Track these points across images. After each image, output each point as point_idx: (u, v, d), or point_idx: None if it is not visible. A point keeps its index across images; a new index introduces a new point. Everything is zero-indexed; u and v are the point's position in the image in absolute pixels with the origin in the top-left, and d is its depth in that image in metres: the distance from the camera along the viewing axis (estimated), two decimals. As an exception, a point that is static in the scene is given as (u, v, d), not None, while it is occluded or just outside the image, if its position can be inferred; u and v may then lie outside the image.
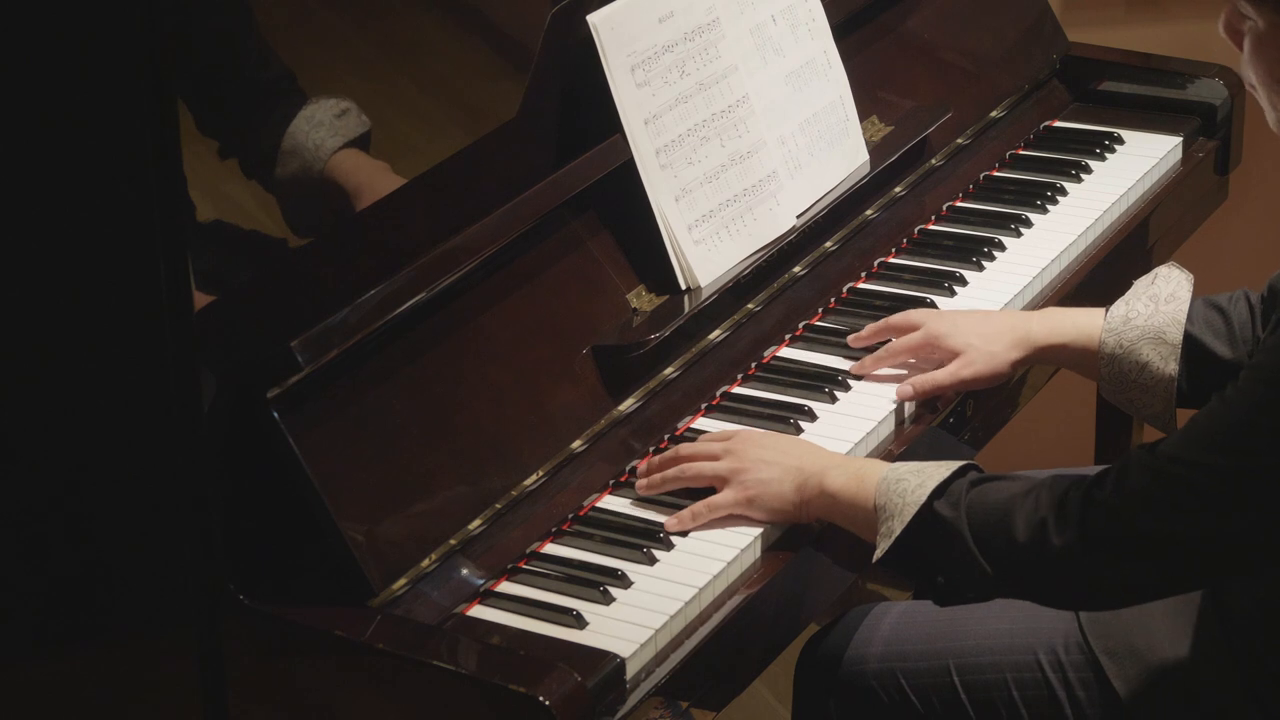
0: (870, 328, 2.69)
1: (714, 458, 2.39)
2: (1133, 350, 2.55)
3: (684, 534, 2.35)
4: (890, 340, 2.66)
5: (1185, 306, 2.56)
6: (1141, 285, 2.62)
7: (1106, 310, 2.61)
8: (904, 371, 2.64)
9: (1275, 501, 2.09)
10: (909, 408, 2.60)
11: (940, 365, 2.62)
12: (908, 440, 2.56)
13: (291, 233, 2.38)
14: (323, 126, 2.40)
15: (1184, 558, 2.14)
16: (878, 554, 2.26)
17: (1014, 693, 2.40)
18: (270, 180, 2.38)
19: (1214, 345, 2.54)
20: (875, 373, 2.63)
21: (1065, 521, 2.16)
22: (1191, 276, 2.62)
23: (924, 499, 2.23)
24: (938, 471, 2.26)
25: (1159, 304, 2.57)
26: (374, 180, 2.44)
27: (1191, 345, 2.55)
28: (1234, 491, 2.10)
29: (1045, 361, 2.68)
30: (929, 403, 2.62)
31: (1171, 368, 2.53)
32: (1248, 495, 2.10)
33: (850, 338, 2.70)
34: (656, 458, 2.44)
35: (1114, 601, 2.25)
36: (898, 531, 2.24)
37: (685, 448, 2.43)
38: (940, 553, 2.24)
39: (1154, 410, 2.56)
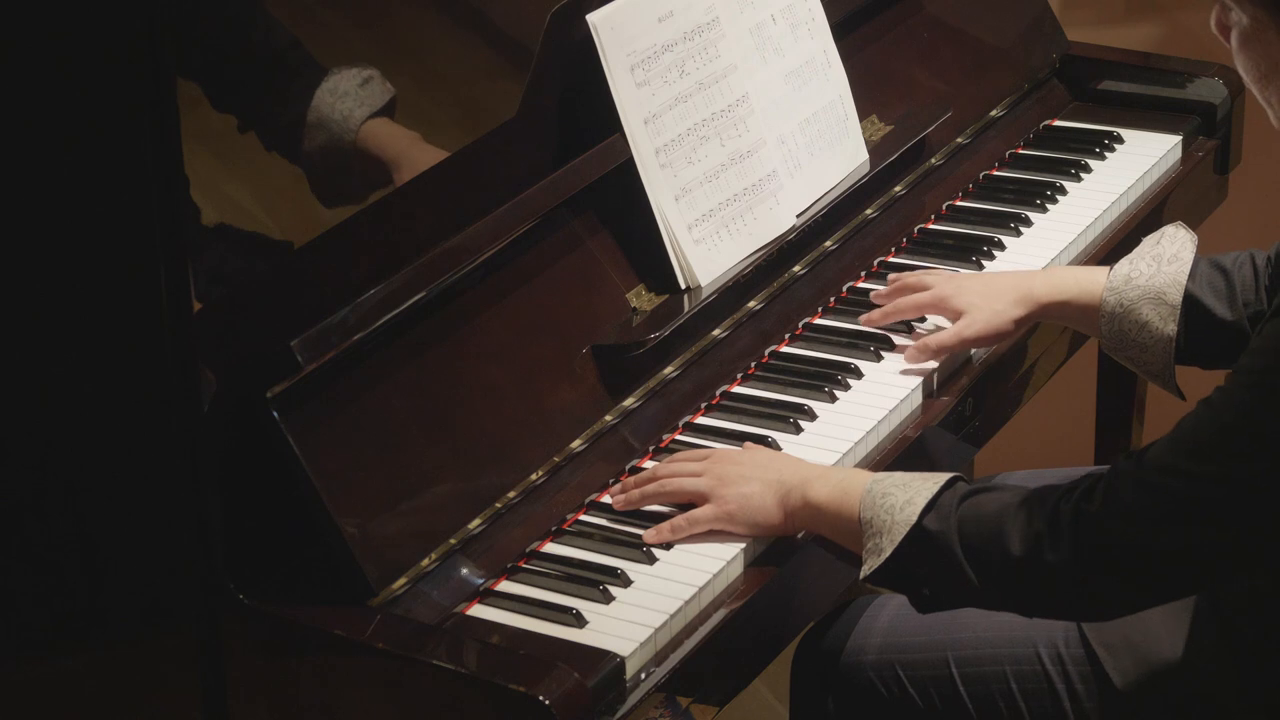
0: (885, 289, 2.73)
1: (694, 475, 2.37)
2: (1133, 309, 2.57)
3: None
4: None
5: (1187, 268, 2.57)
6: (1147, 244, 2.63)
7: (1110, 268, 2.62)
8: (903, 373, 2.65)
9: (1264, 509, 2.07)
10: (908, 407, 2.60)
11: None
12: (908, 440, 2.56)
13: (322, 205, 2.36)
14: (348, 97, 2.39)
15: (1175, 570, 2.13)
16: (865, 570, 2.25)
17: (1012, 685, 2.39)
18: (296, 154, 2.37)
19: (1214, 306, 2.55)
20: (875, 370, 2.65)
21: (1058, 538, 2.14)
22: (1196, 237, 2.63)
23: (914, 518, 2.21)
24: (925, 486, 2.24)
25: (1161, 264, 2.58)
26: (409, 150, 2.43)
27: (1191, 303, 2.56)
28: (1221, 501, 2.08)
29: (1048, 319, 2.69)
30: (929, 402, 2.62)
31: (1170, 328, 2.54)
32: (1235, 504, 2.08)
33: (872, 295, 2.75)
34: (633, 478, 2.42)
35: (1109, 613, 2.23)
36: (888, 552, 2.22)
37: (663, 466, 2.41)
38: (930, 568, 2.22)
39: (1154, 368, 2.57)
